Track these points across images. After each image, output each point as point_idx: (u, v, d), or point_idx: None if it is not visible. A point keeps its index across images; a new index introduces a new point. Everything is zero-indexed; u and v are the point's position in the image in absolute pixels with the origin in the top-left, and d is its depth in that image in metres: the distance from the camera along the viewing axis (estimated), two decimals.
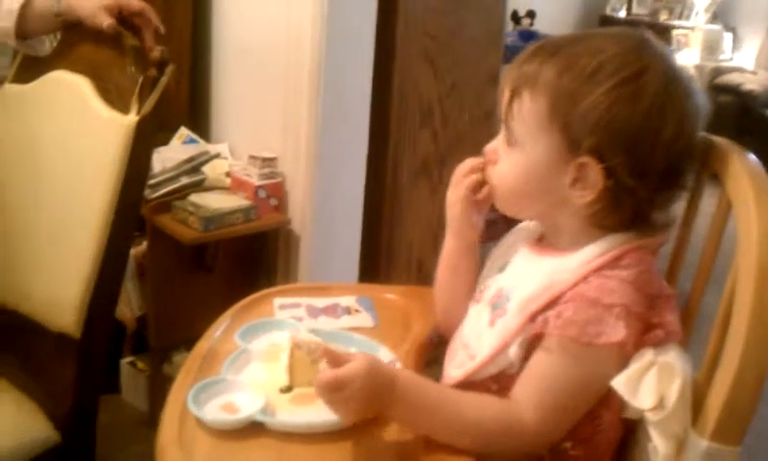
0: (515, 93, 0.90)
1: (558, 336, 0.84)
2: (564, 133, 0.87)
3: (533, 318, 0.87)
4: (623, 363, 0.83)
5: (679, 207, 0.96)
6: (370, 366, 0.84)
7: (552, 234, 0.96)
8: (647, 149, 0.85)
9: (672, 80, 0.87)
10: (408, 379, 0.88)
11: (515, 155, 0.92)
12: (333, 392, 0.83)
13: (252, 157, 2.22)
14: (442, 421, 0.86)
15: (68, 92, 1.39)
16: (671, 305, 0.86)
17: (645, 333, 0.84)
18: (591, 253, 0.88)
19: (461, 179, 1.03)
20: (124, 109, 1.33)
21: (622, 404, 0.84)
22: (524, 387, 0.86)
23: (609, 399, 0.86)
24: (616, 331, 0.82)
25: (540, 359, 0.86)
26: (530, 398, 0.85)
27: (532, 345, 0.87)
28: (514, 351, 0.88)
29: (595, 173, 0.86)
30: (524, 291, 0.90)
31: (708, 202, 0.98)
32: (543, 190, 0.91)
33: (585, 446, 0.89)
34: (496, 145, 0.96)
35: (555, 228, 0.94)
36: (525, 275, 0.94)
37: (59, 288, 1.36)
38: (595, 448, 0.90)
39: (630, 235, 0.89)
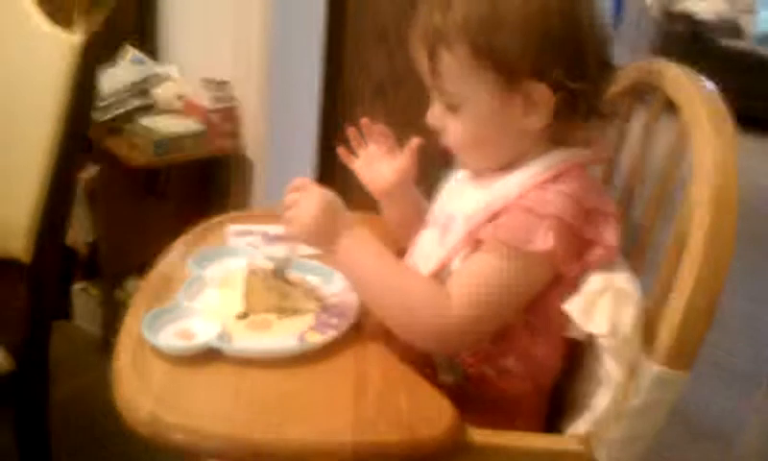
0: (431, 55, 0.89)
1: (490, 238, 0.86)
2: (496, 69, 0.86)
3: (474, 233, 0.89)
4: (551, 273, 0.85)
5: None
6: (335, 196, 0.93)
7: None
8: (576, 48, 0.86)
9: None
10: (365, 231, 0.93)
11: (460, 113, 0.91)
12: (296, 190, 0.93)
13: (205, 80, 2.17)
14: (378, 272, 0.90)
15: (7, 7, 1.33)
16: (610, 223, 0.87)
17: (585, 251, 0.85)
18: (533, 170, 0.89)
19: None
20: (69, 26, 1.27)
21: (564, 323, 0.86)
22: (455, 281, 0.88)
23: (542, 310, 0.88)
24: (545, 241, 0.83)
25: (473, 259, 0.88)
26: (458, 290, 0.86)
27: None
28: (455, 266, 0.90)
29: (542, 92, 0.86)
30: (468, 209, 0.92)
31: (662, 130, 0.99)
32: (501, 131, 0.91)
33: (527, 362, 0.91)
34: (436, 113, 0.94)
35: (518, 158, 0.93)
36: (471, 196, 0.95)
37: (6, 213, 1.33)
38: (539, 367, 0.92)
39: (572, 152, 0.90)
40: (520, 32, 0.84)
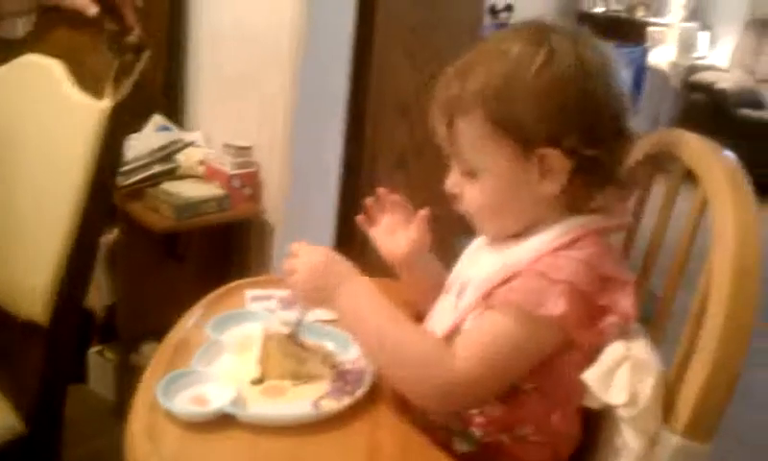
0: (449, 125, 0.91)
1: (502, 301, 0.86)
2: (512, 137, 0.88)
3: (488, 295, 0.88)
4: (561, 338, 0.85)
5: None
6: (331, 251, 0.95)
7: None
8: (592, 116, 0.87)
9: (578, 45, 0.89)
10: (365, 281, 0.93)
11: (477, 181, 0.92)
12: (292, 257, 0.94)
13: (227, 146, 2.20)
14: (378, 326, 0.89)
15: (41, 76, 1.37)
16: (627, 291, 0.86)
17: (599, 318, 0.85)
18: (549, 236, 0.90)
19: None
20: (98, 95, 1.30)
21: (581, 392, 0.84)
22: (463, 338, 0.88)
23: (557, 378, 0.87)
24: (556, 306, 0.83)
25: (483, 318, 0.88)
26: (464, 346, 0.86)
27: None
28: (467, 326, 0.90)
29: (557, 158, 0.87)
30: (483, 274, 0.92)
31: (683, 199, 0.99)
32: (517, 198, 0.91)
33: (545, 431, 0.89)
34: (455, 179, 0.96)
35: (535, 224, 0.93)
36: (487, 261, 0.95)
37: (28, 275, 1.34)
38: (558, 435, 0.91)
39: (591, 218, 0.91)
40: (534, 101, 0.86)
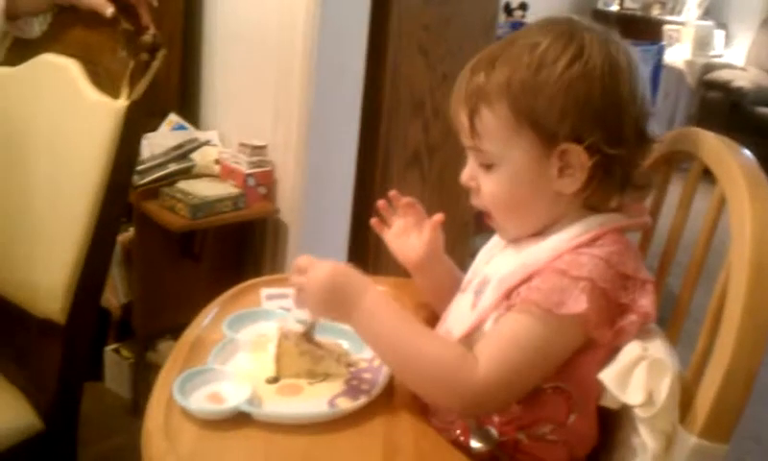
0: (473, 113, 0.91)
1: (523, 300, 0.85)
2: (535, 130, 0.88)
3: (508, 295, 0.88)
4: (582, 337, 0.84)
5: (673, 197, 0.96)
6: (342, 265, 0.93)
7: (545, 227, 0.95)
8: (616, 115, 0.87)
9: (608, 45, 0.89)
10: (380, 292, 0.91)
11: (495, 173, 0.92)
12: (300, 272, 0.92)
13: (242, 145, 2.21)
14: (397, 337, 0.89)
15: (57, 76, 1.37)
16: (646, 290, 0.86)
17: (618, 317, 0.84)
18: (569, 234, 0.89)
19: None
20: (114, 94, 1.31)
21: (599, 392, 0.84)
22: (484, 342, 0.87)
23: (577, 377, 0.87)
24: (578, 304, 0.82)
25: (503, 320, 0.87)
26: (486, 351, 0.85)
27: None
28: (488, 327, 0.89)
29: (579, 155, 0.87)
30: (502, 272, 0.92)
31: (700, 197, 0.98)
32: (535, 193, 0.91)
33: (562, 430, 0.89)
34: (472, 172, 0.95)
35: (553, 222, 0.93)
36: (506, 260, 0.95)
37: (45, 274, 1.35)
38: (575, 435, 0.90)
39: (610, 217, 0.91)
40: (561, 96, 0.86)
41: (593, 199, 0.91)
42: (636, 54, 0.92)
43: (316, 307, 0.93)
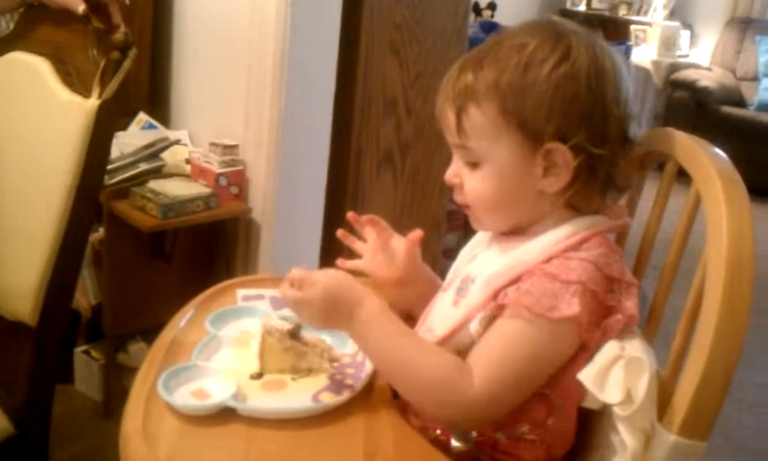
0: (460, 111, 0.91)
1: (514, 305, 0.85)
2: (522, 129, 0.88)
3: (495, 295, 0.88)
4: (576, 341, 0.85)
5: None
6: (336, 275, 0.92)
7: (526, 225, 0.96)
8: (600, 116, 0.88)
9: (594, 48, 0.90)
10: (377, 303, 0.91)
11: (480, 171, 0.92)
12: (294, 288, 0.91)
13: (213, 145, 2.19)
14: (394, 350, 0.89)
15: (27, 74, 1.35)
16: (631, 293, 0.87)
17: (605, 317, 0.85)
18: (556, 236, 0.90)
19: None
20: (85, 93, 1.29)
21: (581, 394, 0.85)
22: (477, 352, 0.87)
23: (561, 381, 0.87)
24: (570, 307, 0.83)
25: (495, 327, 0.87)
26: (480, 361, 0.86)
27: (492, 322, 0.88)
28: (474, 327, 0.89)
29: (564, 154, 0.88)
30: (488, 271, 0.92)
31: (673, 197, 0.99)
32: (519, 191, 0.91)
33: (541, 430, 0.90)
34: (456, 170, 0.96)
35: (535, 221, 0.94)
36: (491, 260, 0.95)
37: (15, 275, 1.33)
38: (553, 435, 0.91)
39: (595, 219, 0.91)
40: (549, 97, 0.87)
41: (576, 199, 0.91)
42: (621, 56, 0.93)
43: (314, 322, 0.93)
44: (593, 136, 0.88)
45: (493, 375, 0.84)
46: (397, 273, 1.10)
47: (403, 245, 1.10)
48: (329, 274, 0.92)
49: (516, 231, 0.96)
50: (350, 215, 1.11)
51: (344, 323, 0.91)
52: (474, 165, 0.93)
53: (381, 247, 1.11)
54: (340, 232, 1.12)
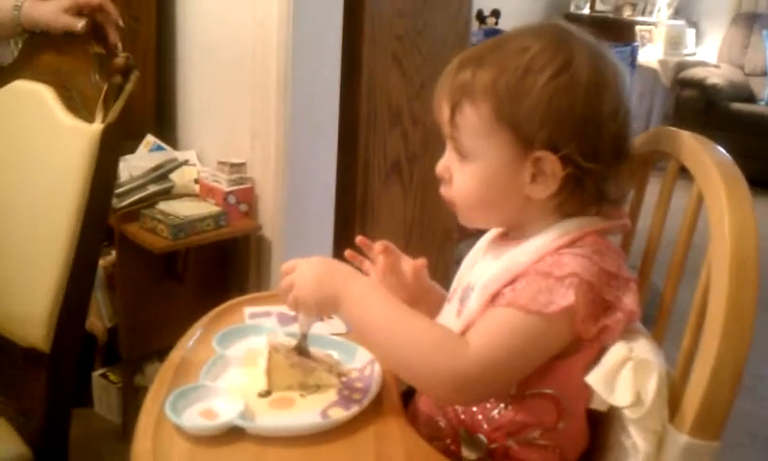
0: (455, 106, 0.91)
1: (509, 302, 0.85)
2: (514, 133, 0.88)
3: (492, 299, 0.88)
4: (571, 331, 0.84)
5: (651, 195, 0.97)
6: (327, 258, 0.95)
7: (515, 230, 0.96)
8: (594, 129, 0.87)
9: (598, 59, 0.89)
10: (368, 280, 0.94)
11: (469, 167, 0.92)
12: (287, 274, 0.93)
13: (221, 163, 2.20)
14: (389, 321, 0.89)
15: (31, 102, 1.37)
16: (630, 289, 0.86)
17: (604, 314, 0.85)
18: (549, 237, 0.90)
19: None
20: (89, 118, 1.30)
21: (588, 395, 0.85)
22: (475, 329, 0.87)
23: (567, 381, 0.87)
24: (566, 298, 0.83)
25: (493, 311, 0.87)
26: (478, 334, 0.86)
27: None
28: None
29: (552, 164, 0.87)
30: (485, 277, 0.92)
31: (677, 195, 0.99)
32: (505, 194, 0.91)
33: (553, 434, 0.89)
34: (447, 163, 0.95)
35: (521, 225, 0.94)
36: (488, 266, 0.95)
37: (27, 302, 1.34)
38: (565, 439, 0.90)
39: (588, 220, 0.91)
40: (544, 105, 0.86)
41: (566, 206, 0.91)
42: (625, 69, 0.92)
43: (307, 299, 0.93)
44: (585, 149, 0.87)
45: (489, 345, 0.84)
46: (405, 294, 1.08)
47: (410, 268, 1.10)
48: (320, 259, 0.95)
49: (511, 235, 0.97)
50: (360, 240, 1.10)
51: (336, 299, 0.91)
52: (464, 157, 0.92)
53: (390, 269, 1.10)
54: (348, 253, 1.11)
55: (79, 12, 1.33)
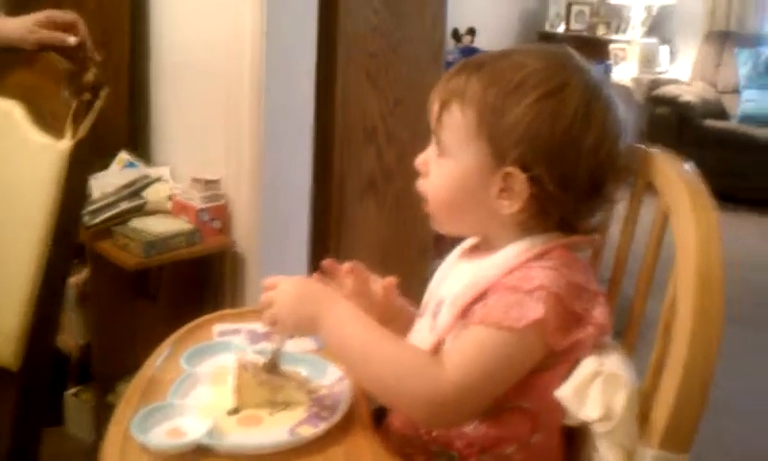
0: (444, 105, 0.93)
1: (482, 319, 0.86)
2: (490, 144, 0.89)
3: (464, 313, 0.88)
4: (541, 343, 0.84)
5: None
6: (310, 279, 0.97)
7: (484, 243, 0.97)
8: (570, 160, 0.88)
9: (593, 94, 0.90)
10: (349, 304, 0.94)
11: (445, 164, 0.93)
12: (269, 289, 0.94)
13: (195, 180, 2.19)
14: (366, 344, 0.89)
15: (0, 120, 1.35)
16: (598, 302, 0.87)
17: (574, 327, 0.85)
18: (517, 249, 0.90)
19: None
20: (58, 135, 1.29)
21: (562, 409, 0.84)
22: (449, 351, 0.88)
23: (539, 396, 0.87)
24: (536, 311, 0.83)
25: (467, 332, 0.87)
26: (451, 356, 0.86)
27: None
28: (447, 346, 0.89)
29: (520, 182, 0.88)
30: (454, 291, 0.92)
31: (646, 211, 1.00)
32: (473, 201, 0.92)
33: (526, 450, 0.90)
34: (427, 156, 0.97)
35: (487, 238, 0.96)
36: (457, 279, 0.96)
37: None
38: (538, 454, 0.91)
39: (557, 234, 0.92)
40: (524, 123, 0.87)
41: (529, 225, 0.91)
42: (622, 108, 0.92)
43: (286, 319, 0.93)
44: (557, 176, 0.87)
45: (464, 367, 0.84)
46: (376, 314, 1.05)
47: (380, 288, 1.09)
48: (302, 279, 0.97)
49: (482, 248, 0.97)
50: (327, 263, 1.09)
51: (316, 320, 0.91)
52: (442, 153, 0.94)
53: (359, 291, 1.08)
54: (315, 277, 1.08)
55: (54, 27, 1.32)
